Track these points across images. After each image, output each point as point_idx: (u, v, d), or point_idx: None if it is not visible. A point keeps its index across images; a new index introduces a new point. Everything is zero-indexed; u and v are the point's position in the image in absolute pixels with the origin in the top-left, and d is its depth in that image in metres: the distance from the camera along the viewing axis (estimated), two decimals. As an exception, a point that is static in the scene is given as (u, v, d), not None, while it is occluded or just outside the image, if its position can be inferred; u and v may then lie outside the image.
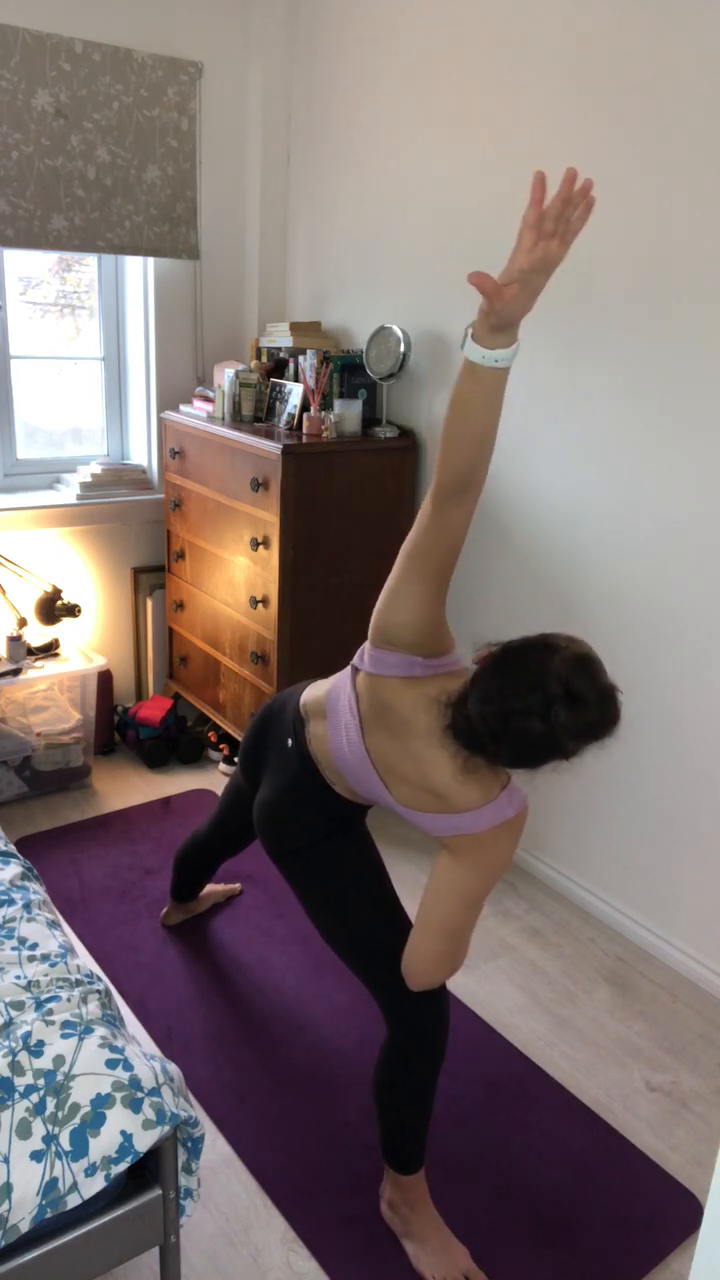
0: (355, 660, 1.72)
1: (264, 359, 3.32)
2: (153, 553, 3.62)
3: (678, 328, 2.27)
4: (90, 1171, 1.32)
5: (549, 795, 2.82)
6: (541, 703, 1.42)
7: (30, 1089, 1.37)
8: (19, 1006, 1.53)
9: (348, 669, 1.76)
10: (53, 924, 1.79)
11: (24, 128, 2.93)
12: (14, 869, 1.94)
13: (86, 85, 3.00)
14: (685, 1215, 1.86)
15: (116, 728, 3.59)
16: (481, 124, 2.66)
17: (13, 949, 1.68)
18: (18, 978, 1.60)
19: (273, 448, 2.78)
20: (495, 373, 1.36)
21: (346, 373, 3.09)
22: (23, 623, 3.27)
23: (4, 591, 3.28)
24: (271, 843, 1.85)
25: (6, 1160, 1.30)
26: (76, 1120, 1.34)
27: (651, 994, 2.47)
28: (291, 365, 3.17)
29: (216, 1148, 1.96)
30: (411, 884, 2.79)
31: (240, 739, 3.18)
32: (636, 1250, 1.79)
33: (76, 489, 3.38)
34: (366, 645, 1.69)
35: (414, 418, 3.08)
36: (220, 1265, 1.73)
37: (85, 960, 1.84)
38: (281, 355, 3.26)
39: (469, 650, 1.61)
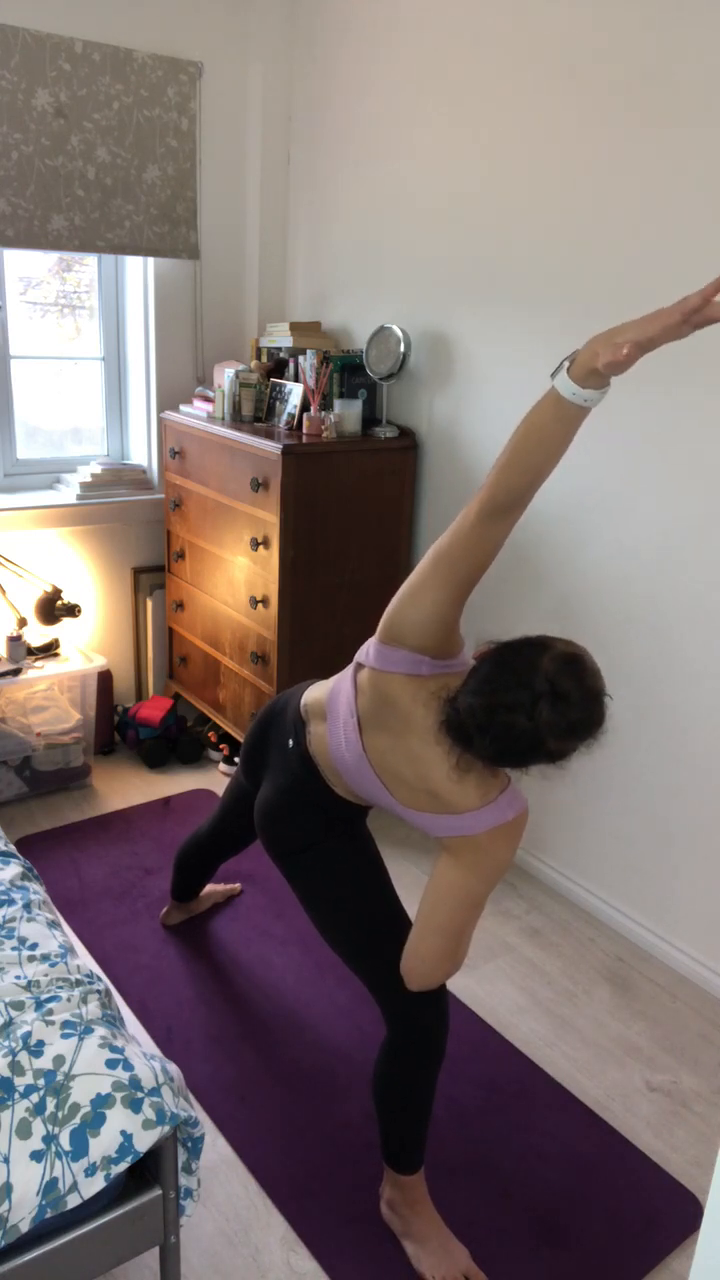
0: (359, 656, 1.72)
1: (264, 359, 3.32)
2: (153, 553, 3.62)
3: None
4: (90, 1171, 1.32)
5: (549, 796, 2.82)
6: (528, 699, 1.43)
7: (30, 1089, 1.37)
8: (19, 1006, 1.53)
9: (350, 667, 1.75)
10: (53, 924, 1.79)
11: (24, 128, 2.93)
12: (14, 869, 1.94)
13: (86, 85, 3.00)
14: (685, 1215, 1.86)
15: (116, 728, 3.59)
16: (481, 123, 2.66)
17: (13, 949, 1.68)
18: (18, 978, 1.60)
19: (273, 448, 2.78)
20: (578, 410, 1.40)
21: (346, 373, 3.09)
22: (23, 623, 3.27)
23: (4, 591, 3.28)
24: (272, 843, 1.85)
25: (6, 1160, 1.30)
26: (76, 1120, 1.34)
27: (651, 994, 2.47)
28: (291, 365, 3.17)
29: (216, 1148, 1.96)
30: (411, 884, 2.79)
31: (240, 739, 3.19)
32: (636, 1250, 1.79)
33: (76, 489, 3.38)
34: (372, 641, 1.68)
35: (414, 418, 3.08)
36: (220, 1265, 1.73)
37: (85, 960, 1.84)
38: (281, 355, 3.26)
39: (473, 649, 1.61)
